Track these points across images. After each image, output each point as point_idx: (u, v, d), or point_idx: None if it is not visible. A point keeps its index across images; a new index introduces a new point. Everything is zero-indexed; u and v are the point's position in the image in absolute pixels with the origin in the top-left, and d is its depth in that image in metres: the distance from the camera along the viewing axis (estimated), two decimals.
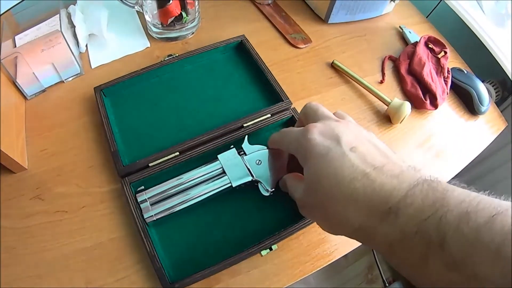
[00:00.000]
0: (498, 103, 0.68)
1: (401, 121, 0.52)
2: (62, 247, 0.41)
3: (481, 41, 0.66)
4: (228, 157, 0.42)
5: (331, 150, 0.29)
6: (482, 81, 0.60)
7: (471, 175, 0.77)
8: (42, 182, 0.45)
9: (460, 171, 0.62)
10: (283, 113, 0.47)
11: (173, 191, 0.40)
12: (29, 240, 0.41)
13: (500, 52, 0.65)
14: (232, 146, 0.44)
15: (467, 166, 0.68)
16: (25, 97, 0.50)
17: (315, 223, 0.42)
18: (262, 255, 0.40)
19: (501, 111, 0.65)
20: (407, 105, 0.50)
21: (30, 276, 0.39)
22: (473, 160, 0.75)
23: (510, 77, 0.63)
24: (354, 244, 0.43)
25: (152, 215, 0.39)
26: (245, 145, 0.44)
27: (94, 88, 0.47)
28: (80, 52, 0.53)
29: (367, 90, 0.53)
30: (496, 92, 0.69)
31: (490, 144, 0.60)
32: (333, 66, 0.56)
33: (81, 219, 0.42)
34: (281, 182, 0.40)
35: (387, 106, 0.51)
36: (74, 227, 0.42)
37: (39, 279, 0.39)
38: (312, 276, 1.05)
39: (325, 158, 0.29)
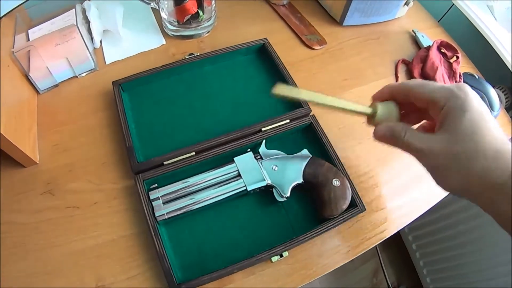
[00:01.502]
0: (508, 109, 0.67)
1: None
2: (73, 243, 0.40)
3: (491, 46, 0.64)
4: (245, 161, 0.41)
5: (486, 111, 0.30)
6: (493, 87, 0.59)
7: None
8: (54, 177, 0.43)
9: None
10: (302, 119, 0.45)
11: (186, 191, 0.39)
12: (39, 235, 0.40)
13: (510, 57, 0.63)
14: (249, 149, 0.42)
15: None
16: (37, 92, 0.48)
17: (328, 230, 0.41)
18: (272, 262, 0.39)
19: (511, 117, 0.64)
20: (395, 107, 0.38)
21: (39, 273, 0.38)
22: None
23: None
24: (369, 244, 0.42)
25: (163, 214, 0.38)
26: (262, 149, 0.42)
27: (113, 82, 0.46)
28: (94, 48, 0.51)
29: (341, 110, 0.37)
30: (506, 98, 0.67)
31: None
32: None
33: (93, 216, 0.41)
34: (391, 131, 0.33)
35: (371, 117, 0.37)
36: (86, 224, 0.41)
37: (48, 276, 0.38)
38: (318, 280, 1.04)
39: (483, 116, 0.29)
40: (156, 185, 0.39)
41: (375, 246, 1.12)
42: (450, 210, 0.86)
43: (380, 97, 0.37)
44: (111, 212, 0.41)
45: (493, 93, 0.57)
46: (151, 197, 0.38)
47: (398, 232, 1.11)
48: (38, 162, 0.44)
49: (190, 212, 0.39)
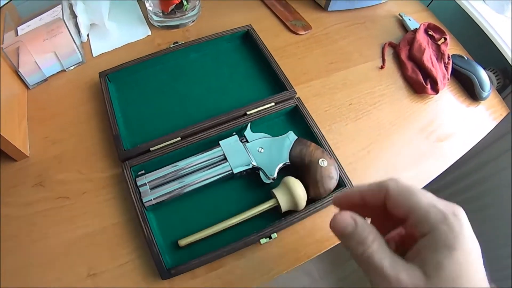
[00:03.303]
0: (499, 91, 0.65)
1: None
2: (64, 234, 0.39)
3: (482, 29, 0.63)
4: (230, 144, 0.40)
5: (477, 249, 0.23)
6: (484, 69, 0.57)
7: (474, 164, 0.74)
8: (44, 169, 0.43)
9: (463, 159, 0.59)
10: (287, 102, 0.44)
11: (173, 176, 0.38)
12: (31, 227, 0.39)
13: (501, 40, 0.61)
14: (234, 133, 0.41)
15: (469, 154, 0.65)
16: (27, 87, 0.48)
17: (317, 212, 0.40)
18: (261, 244, 0.37)
19: (503, 99, 0.62)
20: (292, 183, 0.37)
21: (32, 265, 0.37)
22: (475, 148, 0.72)
23: (511, 64, 0.59)
24: None
25: (151, 199, 0.37)
26: (248, 132, 0.41)
27: (99, 73, 0.45)
28: (81, 42, 0.50)
29: None
30: (497, 80, 0.66)
31: (491, 131, 0.57)
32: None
33: (83, 205, 0.40)
34: (352, 230, 0.24)
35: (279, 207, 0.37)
36: (76, 213, 0.40)
37: (40, 268, 0.37)
38: (315, 268, 1.02)
39: (473, 257, 0.22)
40: (143, 171, 0.38)
41: None
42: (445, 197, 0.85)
43: (345, 202, 0.28)
44: (100, 201, 0.40)
45: (483, 74, 0.55)
46: (138, 183, 0.37)
47: None
48: (28, 156, 0.43)
49: (178, 197, 0.38)
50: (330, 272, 1.02)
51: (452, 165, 0.51)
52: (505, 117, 0.57)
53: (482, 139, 0.56)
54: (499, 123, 0.56)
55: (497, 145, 0.70)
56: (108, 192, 0.40)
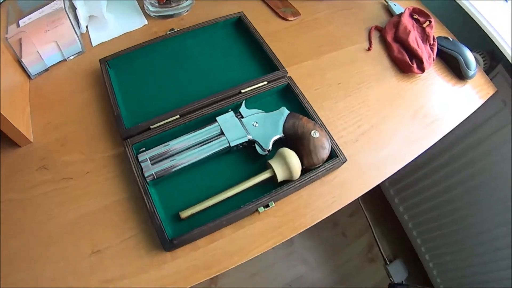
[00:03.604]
0: (487, 71, 0.68)
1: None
2: (68, 213, 0.40)
3: (468, 14, 0.65)
4: (226, 119, 0.42)
5: None
6: (470, 50, 0.59)
7: (468, 142, 0.76)
8: (47, 153, 0.44)
9: (457, 139, 0.61)
10: (279, 80, 0.46)
11: (173, 151, 0.40)
12: (36, 209, 0.40)
13: (487, 23, 0.64)
14: (230, 110, 0.43)
15: (463, 133, 0.68)
16: (29, 77, 0.49)
17: (312, 182, 0.42)
18: (259, 212, 0.39)
19: (491, 79, 0.64)
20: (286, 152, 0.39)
21: (37, 245, 0.38)
22: (468, 127, 0.74)
23: (498, 44, 0.62)
24: (353, 195, 0.43)
25: (152, 174, 0.38)
26: (243, 109, 0.43)
27: (100, 59, 0.47)
28: (81, 33, 0.52)
29: None
30: (484, 61, 0.68)
31: (483, 111, 0.60)
32: None
33: (86, 185, 0.42)
34: None
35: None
36: (80, 193, 0.41)
37: (45, 247, 0.38)
38: (313, 257, 1.04)
39: None
40: (144, 148, 0.40)
41: (368, 220, 1.12)
42: (439, 177, 0.86)
43: None
44: (103, 180, 0.42)
45: (468, 53, 0.57)
46: (140, 159, 0.39)
47: (389, 204, 1.11)
48: (32, 141, 0.45)
49: (178, 171, 0.39)
50: (326, 260, 1.04)
51: (447, 143, 0.53)
52: (493, 95, 0.59)
53: (478, 118, 0.58)
54: (491, 102, 0.58)
55: (490, 123, 0.72)
56: (110, 171, 0.42)
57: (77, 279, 0.37)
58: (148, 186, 0.38)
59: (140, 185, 0.38)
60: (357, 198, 1.13)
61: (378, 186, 1.08)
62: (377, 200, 1.10)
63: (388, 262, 1.04)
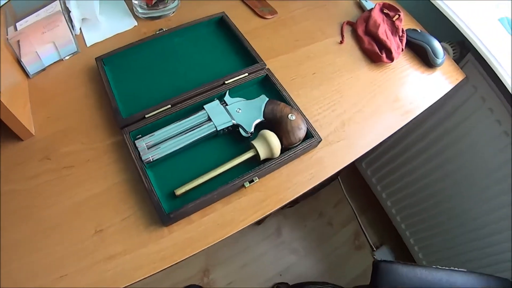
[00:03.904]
0: (457, 60, 0.76)
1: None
2: (71, 198, 0.45)
3: (436, 7, 0.73)
4: (213, 107, 0.48)
5: None
6: (439, 42, 0.68)
7: (444, 128, 0.84)
8: (49, 144, 0.49)
9: (433, 125, 0.68)
10: (259, 72, 0.54)
11: (166, 136, 0.46)
12: (39, 197, 0.45)
13: (455, 15, 0.72)
14: (215, 99, 0.50)
15: (439, 119, 0.76)
16: (27, 76, 0.55)
17: (292, 160, 0.49)
18: (245, 187, 0.45)
19: (461, 67, 0.73)
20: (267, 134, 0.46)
21: (42, 230, 0.43)
22: (443, 113, 0.82)
23: (466, 35, 0.70)
24: (329, 171, 0.50)
25: (149, 157, 0.45)
26: (227, 98, 0.50)
27: (96, 58, 0.53)
28: (75, 35, 0.58)
29: None
30: (453, 51, 0.77)
31: (456, 97, 0.71)
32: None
33: (87, 171, 0.47)
34: None
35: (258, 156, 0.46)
36: (81, 179, 0.47)
37: (51, 231, 0.43)
38: (301, 246, 1.11)
39: None
40: (140, 135, 0.46)
41: (353, 209, 1.20)
42: (417, 156, 0.94)
43: None
44: (103, 166, 0.48)
45: (436, 43, 0.65)
46: (137, 144, 0.45)
47: (372, 192, 1.19)
48: (34, 134, 0.50)
49: (171, 154, 0.46)
50: (314, 249, 1.11)
51: (424, 130, 0.60)
52: (464, 82, 0.68)
53: (451, 104, 0.66)
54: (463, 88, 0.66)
55: (463, 108, 0.80)
56: (110, 157, 0.48)
57: (83, 257, 0.42)
58: (145, 168, 0.45)
59: (138, 167, 0.44)
60: (342, 189, 1.21)
61: (360, 175, 1.16)
62: (360, 189, 1.18)
63: (375, 249, 1.12)
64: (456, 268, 0.71)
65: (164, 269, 0.43)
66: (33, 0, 0.57)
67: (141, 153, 0.45)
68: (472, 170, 0.84)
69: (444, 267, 0.70)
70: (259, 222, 1.11)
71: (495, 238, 0.83)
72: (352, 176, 1.20)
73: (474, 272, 0.70)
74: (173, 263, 0.43)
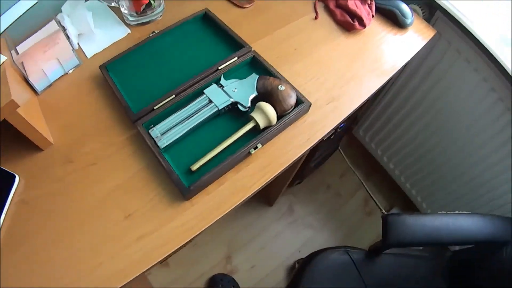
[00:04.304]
0: (428, 19, 0.85)
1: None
2: (97, 192, 0.53)
3: None
4: (212, 90, 0.57)
5: None
6: (408, 4, 0.76)
7: (430, 81, 0.93)
8: (69, 149, 0.57)
9: (417, 84, 0.76)
10: (246, 55, 0.63)
11: (176, 121, 0.55)
12: (70, 195, 0.53)
13: None
14: (213, 83, 0.59)
15: (421, 78, 0.84)
16: (36, 93, 0.62)
17: (287, 127, 0.58)
18: (251, 154, 0.54)
19: (432, 25, 0.82)
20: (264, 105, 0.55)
21: (76, 224, 0.51)
22: (424, 71, 0.91)
23: None
24: (322, 132, 0.59)
25: (164, 142, 0.53)
26: (222, 81, 0.59)
27: (99, 66, 0.61)
28: (74, 49, 0.66)
29: None
30: (422, 11, 0.86)
31: (433, 54, 0.80)
32: None
33: (109, 165, 0.55)
34: None
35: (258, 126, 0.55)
36: (105, 173, 0.55)
37: (85, 224, 0.51)
38: (315, 220, 1.20)
39: None
40: (152, 125, 0.55)
41: (358, 177, 1.29)
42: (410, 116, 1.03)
43: None
44: (123, 158, 0.56)
45: (403, 6, 0.74)
46: (151, 133, 0.54)
47: (374, 158, 1.28)
48: (53, 143, 0.57)
49: (182, 137, 0.55)
50: (328, 221, 1.21)
51: (410, 90, 0.67)
52: (439, 39, 0.76)
53: (430, 61, 0.75)
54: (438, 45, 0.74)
55: (442, 63, 0.89)
56: (128, 150, 0.56)
57: (116, 242, 0.50)
58: (162, 152, 0.53)
59: (156, 153, 0.53)
60: (345, 159, 1.30)
61: (360, 143, 1.25)
62: (362, 157, 1.28)
63: (385, 212, 1.21)
64: (460, 212, 0.79)
65: (192, 239, 0.51)
66: (29, 23, 0.66)
67: (156, 140, 0.53)
68: (461, 119, 0.93)
69: (449, 212, 0.78)
70: (271, 204, 1.21)
71: (497, 181, 0.91)
72: (352, 145, 1.29)
73: (478, 214, 0.78)
74: (198, 232, 0.51)
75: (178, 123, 0.55)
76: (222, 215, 0.53)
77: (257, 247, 1.13)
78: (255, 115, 0.54)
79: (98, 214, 0.52)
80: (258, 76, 0.58)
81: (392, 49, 0.70)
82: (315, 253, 0.84)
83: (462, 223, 0.78)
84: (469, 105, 0.89)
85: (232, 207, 0.53)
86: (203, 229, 0.52)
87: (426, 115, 0.99)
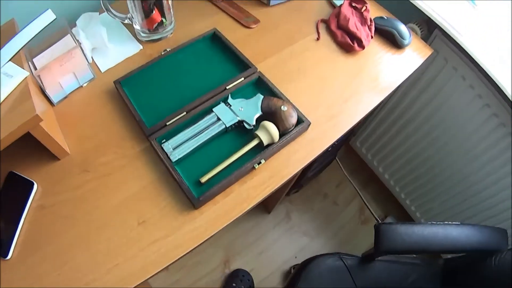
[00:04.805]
0: (425, 38, 0.93)
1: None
2: (112, 200, 0.60)
3: None
4: (220, 109, 0.65)
5: None
6: (408, 23, 0.84)
7: (427, 96, 1.02)
8: (85, 159, 0.64)
9: (414, 98, 0.84)
10: (252, 75, 0.71)
11: (187, 137, 0.63)
12: (84, 204, 0.60)
13: None
14: (221, 102, 0.67)
15: (418, 92, 0.93)
16: (52, 104, 0.70)
17: (289, 143, 0.66)
18: (255, 168, 0.62)
19: (430, 43, 0.90)
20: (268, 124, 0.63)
21: (92, 230, 0.57)
22: (421, 86, 1.00)
23: (428, 14, 0.87)
24: (321, 148, 0.67)
25: (176, 156, 0.61)
26: (230, 100, 0.67)
27: (114, 81, 0.69)
28: (89, 63, 0.74)
29: None
30: (421, 30, 0.94)
31: (431, 70, 0.88)
32: None
33: (124, 175, 0.63)
34: None
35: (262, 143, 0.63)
36: (119, 182, 0.62)
37: (98, 230, 0.58)
38: (311, 228, 1.29)
39: None
40: (165, 139, 0.63)
41: (354, 187, 1.38)
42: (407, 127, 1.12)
43: None
44: (137, 169, 0.63)
45: (402, 27, 0.83)
46: (164, 147, 0.62)
47: (370, 168, 1.37)
48: (69, 153, 0.64)
49: (192, 151, 0.63)
50: (324, 229, 1.30)
51: (407, 103, 0.74)
52: (436, 56, 0.85)
53: (427, 77, 0.84)
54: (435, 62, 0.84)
55: (438, 79, 0.97)
56: (142, 161, 0.64)
57: (130, 246, 0.57)
58: (174, 165, 0.61)
59: (168, 165, 0.60)
60: (342, 169, 1.38)
61: (357, 154, 1.34)
62: (358, 167, 1.37)
63: (380, 221, 1.30)
64: (450, 222, 0.87)
65: (201, 244, 0.58)
66: (44, 36, 0.73)
67: (168, 154, 0.61)
68: (455, 133, 1.01)
69: (439, 222, 0.86)
70: (269, 211, 1.29)
71: (490, 192, 1.00)
72: (349, 155, 1.38)
73: (468, 224, 0.86)
74: (208, 237, 0.59)
75: (189, 139, 0.63)
76: (229, 222, 0.60)
77: (254, 253, 1.21)
78: (260, 133, 0.62)
79: (114, 220, 0.58)
80: (262, 97, 0.66)
81: (390, 68, 0.79)
82: (310, 259, 0.93)
83: (451, 232, 0.85)
84: (464, 119, 0.97)
85: (238, 215, 0.61)
86: (212, 234, 0.59)
87: (421, 128, 1.08)
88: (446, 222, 0.86)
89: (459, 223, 0.86)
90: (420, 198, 1.21)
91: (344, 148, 1.39)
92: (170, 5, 0.73)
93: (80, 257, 0.56)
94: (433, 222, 0.86)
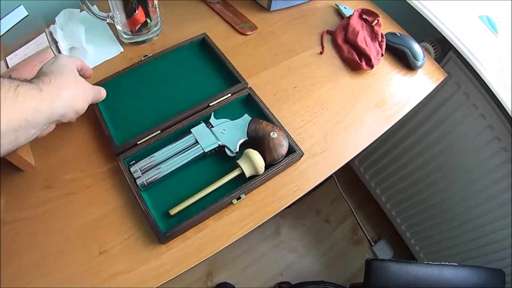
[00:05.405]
0: (438, 59, 0.81)
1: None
2: (75, 223, 0.51)
3: (414, 8, 0.78)
4: (199, 130, 0.54)
5: None
6: (421, 41, 0.72)
7: (434, 122, 0.90)
8: (50, 173, 0.55)
9: (421, 121, 0.72)
10: (241, 92, 0.59)
11: (158, 160, 0.52)
12: (45, 224, 0.51)
13: (430, 13, 0.77)
14: (201, 121, 0.55)
15: (426, 116, 0.80)
16: None
17: (276, 175, 0.55)
18: (233, 204, 0.52)
19: (443, 65, 0.78)
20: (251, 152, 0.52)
21: (50, 254, 0.48)
22: (430, 110, 0.88)
23: (443, 32, 0.75)
24: (313, 183, 0.56)
25: (143, 181, 0.51)
26: (212, 119, 0.56)
27: None
28: None
29: None
30: (434, 50, 0.82)
31: (441, 94, 0.78)
32: None
33: (88, 197, 0.53)
34: None
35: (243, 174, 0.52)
36: (83, 204, 0.52)
37: (58, 255, 0.49)
38: (300, 244, 1.19)
39: None
40: (134, 161, 0.52)
41: (349, 205, 1.27)
42: (407, 152, 1.00)
43: None
44: (102, 191, 0.53)
45: (416, 46, 0.70)
46: (132, 170, 0.51)
47: (367, 189, 1.26)
48: (34, 165, 0.56)
49: (164, 177, 0.52)
50: (313, 247, 1.19)
51: (413, 126, 0.63)
52: (448, 79, 0.73)
53: (437, 101, 0.73)
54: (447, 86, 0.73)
55: (448, 104, 0.86)
56: (108, 183, 0.54)
57: (89, 277, 0.48)
58: (140, 192, 0.51)
59: (134, 191, 0.50)
60: (337, 186, 1.28)
61: (354, 173, 1.23)
62: (355, 186, 1.25)
63: (373, 243, 1.19)
64: (447, 263, 0.78)
65: (166, 282, 0.49)
66: (19, 33, 0.63)
67: (135, 178, 0.51)
68: (461, 163, 0.90)
69: (435, 262, 0.77)
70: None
71: (489, 228, 0.91)
72: (347, 173, 1.27)
73: (465, 266, 0.77)
74: (173, 276, 0.49)
75: (161, 162, 0.52)
76: (198, 262, 0.50)
77: (240, 266, 1.11)
78: (242, 162, 0.51)
79: (75, 246, 0.50)
80: (250, 119, 0.54)
81: (399, 92, 0.67)
82: (295, 286, 0.83)
83: (447, 274, 0.77)
84: (471, 150, 0.86)
85: (210, 255, 0.51)
86: (178, 274, 0.49)
87: (425, 153, 0.96)
88: (442, 263, 0.77)
89: (456, 264, 0.78)
90: (417, 225, 1.09)
91: (342, 166, 1.26)
92: (156, 5, 0.62)
93: (37, 282, 0.47)
94: (429, 262, 0.77)
